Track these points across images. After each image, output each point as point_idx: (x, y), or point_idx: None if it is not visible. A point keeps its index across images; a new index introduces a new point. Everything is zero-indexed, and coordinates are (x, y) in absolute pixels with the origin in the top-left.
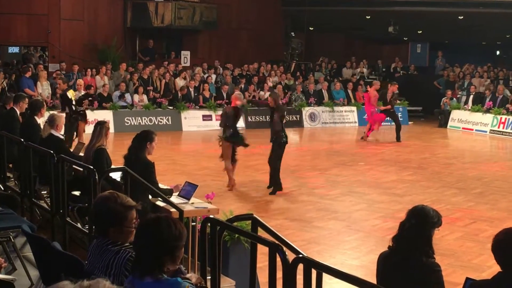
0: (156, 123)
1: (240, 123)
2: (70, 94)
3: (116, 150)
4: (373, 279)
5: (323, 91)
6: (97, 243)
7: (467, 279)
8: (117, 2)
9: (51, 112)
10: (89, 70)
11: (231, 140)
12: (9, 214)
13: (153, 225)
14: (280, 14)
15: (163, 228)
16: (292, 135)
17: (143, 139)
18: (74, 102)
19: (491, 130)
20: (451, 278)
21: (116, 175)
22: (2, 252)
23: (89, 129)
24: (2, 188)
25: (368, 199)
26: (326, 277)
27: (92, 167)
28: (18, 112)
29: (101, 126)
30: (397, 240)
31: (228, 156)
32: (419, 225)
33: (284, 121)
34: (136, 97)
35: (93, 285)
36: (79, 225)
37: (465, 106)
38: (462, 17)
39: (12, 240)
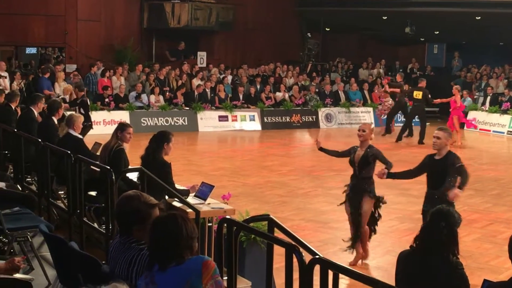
0: (172, 123)
1: (257, 126)
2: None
3: (133, 150)
4: (390, 281)
5: (339, 92)
6: (120, 241)
7: (485, 281)
8: (133, 3)
9: (69, 112)
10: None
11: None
12: (26, 214)
13: (172, 221)
14: (296, 14)
15: (180, 223)
16: (308, 135)
17: (161, 139)
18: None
19: (508, 131)
20: (469, 279)
21: (133, 176)
22: (19, 251)
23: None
24: (20, 188)
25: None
26: (342, 278)
27: (109, 167)
28: (36, 113)
29: (122, 130)
30: (423, 240)
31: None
32: (448, 227)
33: None
34: (153, 98)
35: None
36: (95, 225)
37: (482, 107)
38: (479, 17)
39: (30, 240)
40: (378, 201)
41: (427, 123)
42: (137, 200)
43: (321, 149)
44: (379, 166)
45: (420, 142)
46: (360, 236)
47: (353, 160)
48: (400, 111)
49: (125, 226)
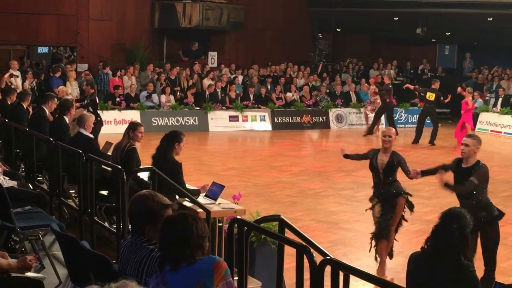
0: (183, 123)
1: (267, 126)
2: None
3: (143, 150)
4: (400, 282)
5: (350, 92)
6: (132, 240)
7: (496, 283)
8: (145, 2)
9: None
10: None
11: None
12: (38, 212)
13: (182, 220)
14: (307, 15)
15: (191, 222)
16: (318, 136)
17: (172, 139)
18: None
19: None
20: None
21: (144, 175)
22: (30, 250)
23: None
24: (31, 187)
25: None
26: (352, 279)
27: (120, 166)
28: (47, 112)
29: (134, 130)
30: (434, 241)
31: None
32: (460, 229)
33: None
34: (163, 98)
35: (119, 287)
36: (106, 224)
37: (494, 108)
38: (491, 18)
39: (41, 239)
40: (408, 196)
41: (439, 124)
42: (151, 200)
43: (345, 155)
44: None
45: (431, 142)
46: (386, 235)
47: (376, 166)
48: (385, 113)
49: (137, 225)
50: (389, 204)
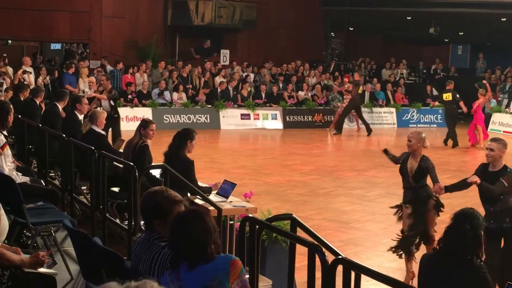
0: (195, 121)
1: (279, 124)
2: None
3: (155, 147)
4: (412, 282)
5: (365, 93)
6: (144, 237)
7: (508, 284)
8: (158, 0)
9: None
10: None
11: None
12: (50, 208)
13: (195, 218)
14: (320, 13)
15: (203, 219)
16: (330, 135)
17: (184, 137)
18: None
19: None
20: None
21: (156, 172)
22: (42, 245)
23: None
24: (44, 183)
25: None
26: (363, 278)
27: (132, 163)
28: (60, 108)
29: (145, 127)
30: (446, 242)
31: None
32: (473, 229)
33: None
34: (175, 95)
35: (140, 286)
36: (118, 221)
37: (507, 109)
38: (504, 19)
39: (53, 235)
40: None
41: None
42: (160, 195)
43: (385, 150)
44: None
45: (449, 143)
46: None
47: (406, 171)
48: (353, 110)
49: (147, 219)
50: (420, 208)
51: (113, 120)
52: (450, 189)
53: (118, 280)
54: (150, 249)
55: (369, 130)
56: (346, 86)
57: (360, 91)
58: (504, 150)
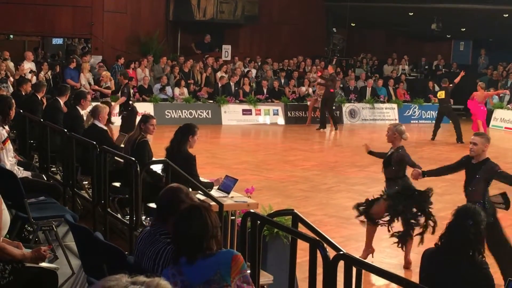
0: (196, 116)
1: (280, 120)
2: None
3: (156, 142)
4: (414, 278)
5: (367, 88)
6: (150, 231)
7: (510, 281)
8: None
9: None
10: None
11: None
12: (52, 203)
13: (196, 213)
14: (322, 9)
15: (204, 214)
16: (331, 131)
17: (186, 132)
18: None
19: None
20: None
21: (157, 167)
22: (44, 240)
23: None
24: (45, 178)
25: None
26: (364, 274)
27: (134, 159)
28: (62, 103)
29: (145, 122)
30: (448, 238)
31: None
32: (475, 225)
33: None
34: (177, 90)
35: (148, 283)
36: (119, 215)
37: (508, 105)
38: (507, 15)
39: (55, 229)
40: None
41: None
42: (185, 194)
43: (370, 152)
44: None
45: (459, 141)
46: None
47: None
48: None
49: (163, 215)
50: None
51: (128, 116)
52: (428, 174)
53: (126, 272)
54: (155, 245)
55: (335, 124)
56: (318, 80)
57: (337, 89)
58: (487, 144)
